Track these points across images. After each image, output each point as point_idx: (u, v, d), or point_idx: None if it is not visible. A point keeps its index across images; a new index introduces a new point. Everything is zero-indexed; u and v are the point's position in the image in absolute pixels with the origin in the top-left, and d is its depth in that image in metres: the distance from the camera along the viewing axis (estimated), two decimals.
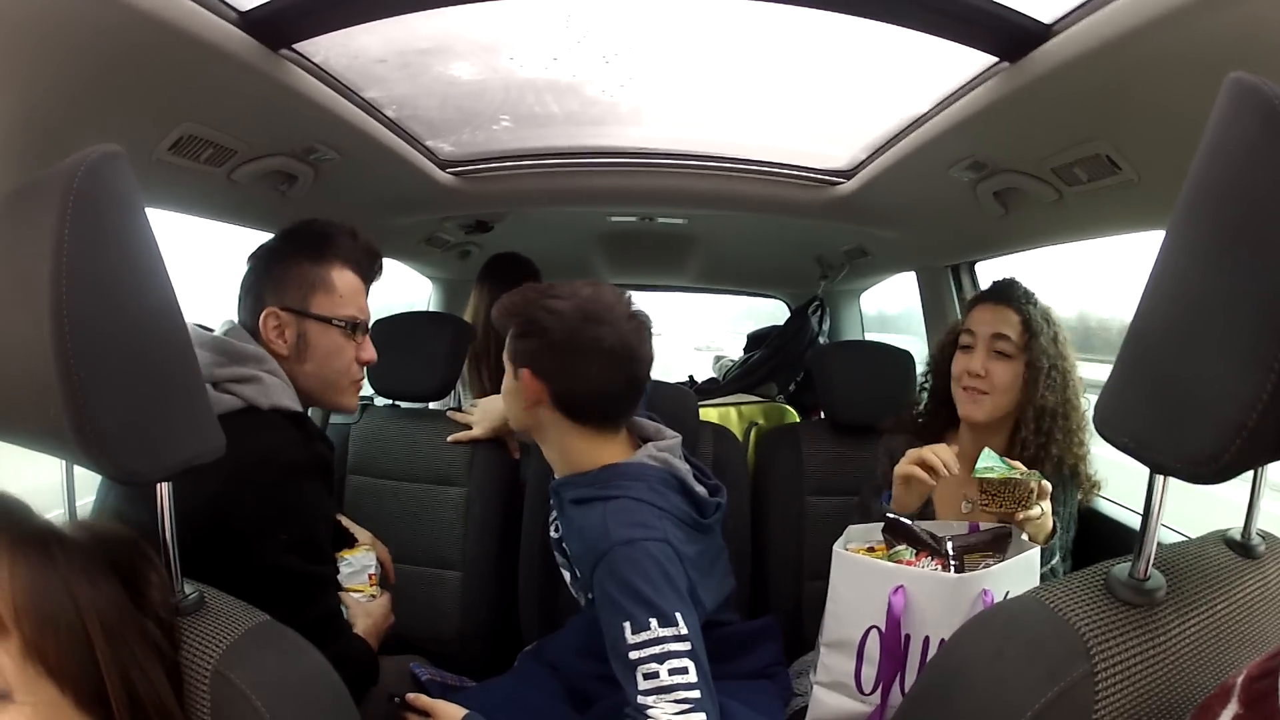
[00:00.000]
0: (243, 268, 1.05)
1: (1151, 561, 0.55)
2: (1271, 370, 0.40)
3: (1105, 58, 0.74)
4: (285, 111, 1.02)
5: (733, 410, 1.79)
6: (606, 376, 0.99)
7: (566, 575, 1.10)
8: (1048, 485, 1.01)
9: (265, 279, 1.01)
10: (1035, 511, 0.99)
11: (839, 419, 1.51)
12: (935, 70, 1.03)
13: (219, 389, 0.92)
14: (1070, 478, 1.18)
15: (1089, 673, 0.50)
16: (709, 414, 1.75)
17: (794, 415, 1.84)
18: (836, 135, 1.40)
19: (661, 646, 0.85)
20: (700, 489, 1.04)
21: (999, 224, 1.27)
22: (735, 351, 2.72)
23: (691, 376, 2.37)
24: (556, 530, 1.11)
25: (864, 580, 0.98)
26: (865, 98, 1.21)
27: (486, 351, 1.78)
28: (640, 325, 1.02)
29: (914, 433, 1.30)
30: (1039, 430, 1.14)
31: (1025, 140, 1.02)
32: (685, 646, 0.86)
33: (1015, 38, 0.83)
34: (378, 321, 1.56)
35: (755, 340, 2.30)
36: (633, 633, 0.86)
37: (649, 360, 1.03)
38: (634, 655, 0.85)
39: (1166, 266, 0.49)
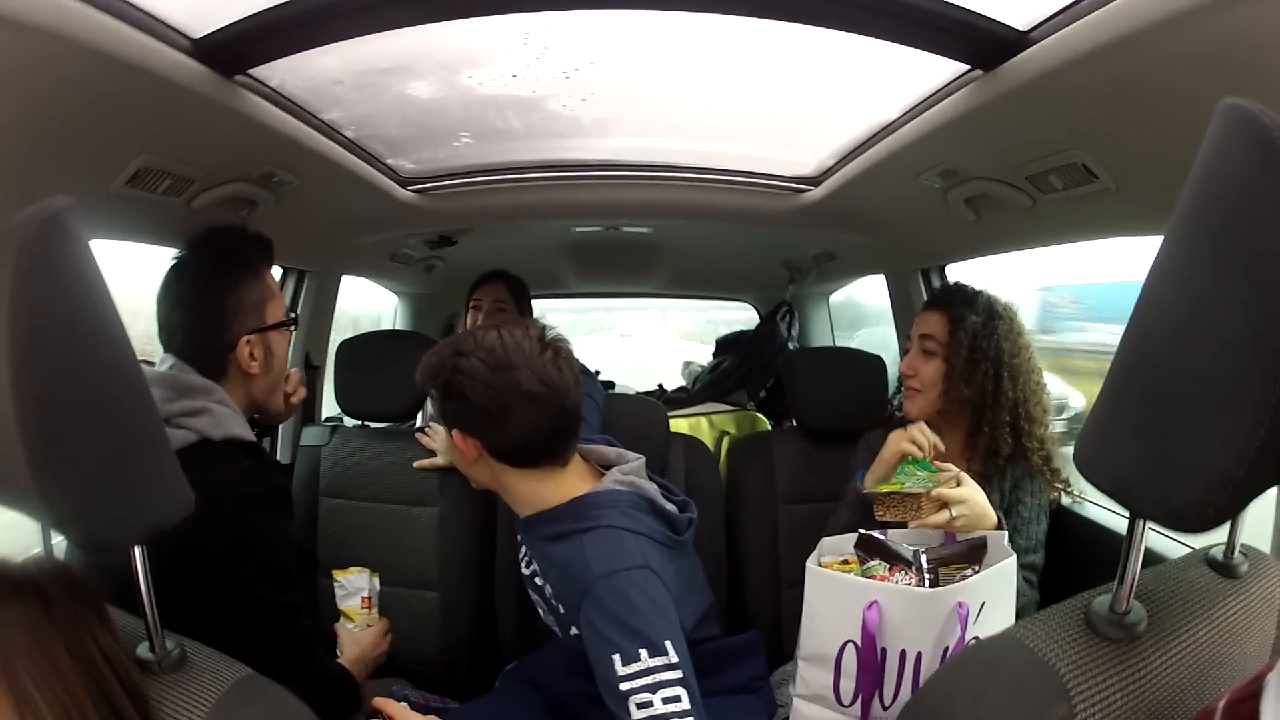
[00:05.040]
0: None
1: (1132, 594, 0.55)
2: (1261, 423, 0.39)
3: (1084, 67, 0.73)
4: (243, 138, 0.99)
5: (703, 420, 1.79)
6: (535, 420, 0.95)
7: (541, 610, 1.08)
8: (957, 491, 1.02)
9: (219, 310, 0.99)
10: (940, 518, 1.01)
11: (811, 426, 1.52)
12: (905, 76, 1.01)
13: (171, 424, 0.91)
14: (1035, 472, 1.21)
15: (1068, 714, 0.50)
16: (679, 425, 1.75)
17: (765, 423, 1.84)
18: (804, 142, 1.39)
19: (653, 676, 0.84)
20: (670, 506, 1.04)
21: (970, 229, 1.28)
22: (705, 357, 2.72)
23: (661, 385, 2.36)
24: (528, 566, 1.08)
25: (838, 596, 0.99)
26: (832, 103, 1.20)
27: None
28: (557, 354, 0.98)
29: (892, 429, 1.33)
30: (983, 422, 1.19)
31: (999, 149, 1.01)
32: (676, 675, 0.85)
33: (989, 46, 0.82)
34: (344, 342, 1.55)
35: (724, 345, 2.31)
36: (623, 664, 0.85)
37: (574, 389, 0.99)
38: (625, 686, 0.85)
39: (1155, 297, 0.48)
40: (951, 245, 1.53)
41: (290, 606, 0.98)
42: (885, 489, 1.04)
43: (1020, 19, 0.79)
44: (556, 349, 0.98)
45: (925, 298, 1.75)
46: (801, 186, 1.48)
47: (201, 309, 0.99)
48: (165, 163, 0.94)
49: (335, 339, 1.76)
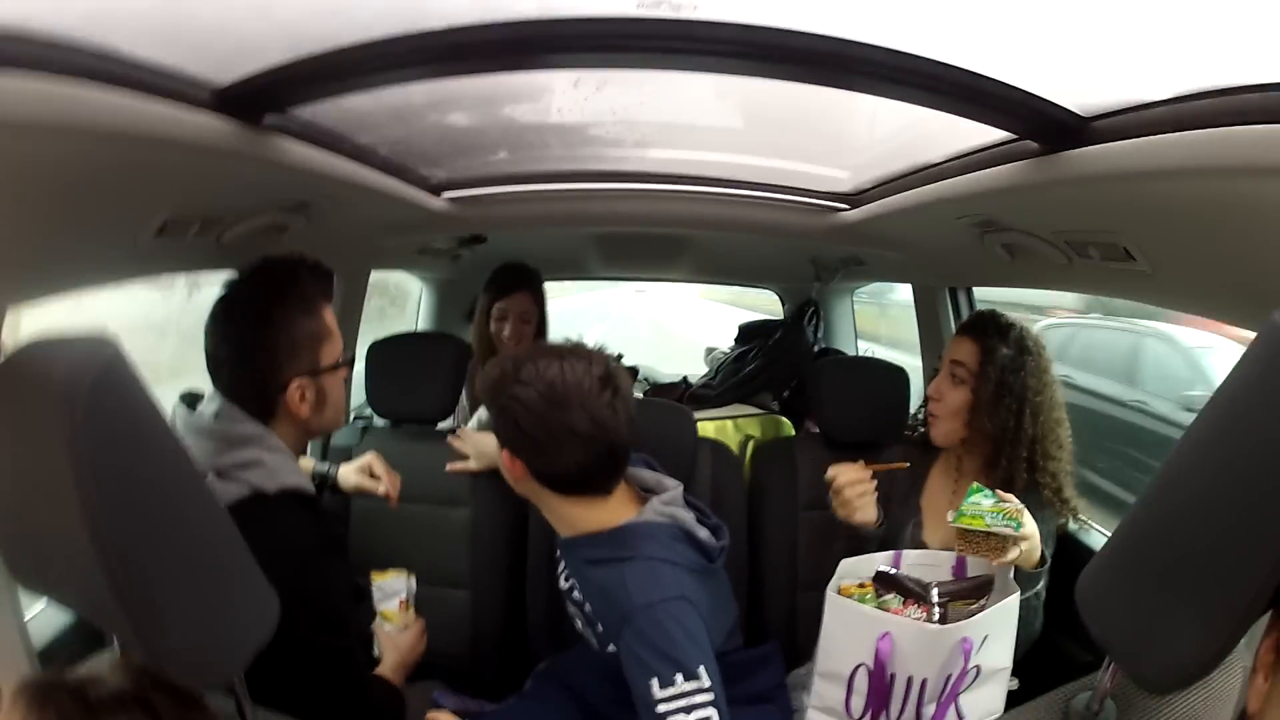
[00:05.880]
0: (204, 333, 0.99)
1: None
2: (1227, 625, 0.43)
3: (1145, 179, 0.71)
4: (272, 178, 0.97)
5: (729, 424, 1.82)
6: (583, 457, 0.98)
7: (579, 623, 1.13)
8: (1027, 529, 1.04)
9: (268, 349, 0.96)
10: (1012, 556, 1.04)
11: (833, 437, 1.53)
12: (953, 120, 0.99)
13: (223, 477, 0.91)
14: (1046, 501, 1.23)
15: None
16: (705, 428, 1.77)
17: (789, 428, 1.87)
18: (841, 158, 1.36)
19: (687, 699, 0.91)
20: (704, 533, 1.08)
21: (1003, 267, 1.27)
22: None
23: (685, 378, 2.38)
24: (566, 580, 1.13)
25: (855, 624, 1.05)
26: (874, 125, 1.17)
27: (486, 358, 1.80)
28: (615, 394, 0.99)
29: (911, 447, 1.37)
30: (1001, 455, 1.21)
31: (1043, 217, 1.00)
32: (709, 697, 0.92)
33: (1050, 130, 0.80)
34: (375, 344, 1.55)
35: (746, 334, 2.31)
36: (660, 688, 0.92)
37: (627, 430, 1.01)
38: (661, 708, 0.91)
39: (1177, 473, 0.51)
40: (983, 275, 1.53)
41: (348, 650, 1.00)
42: (970, 525, 1.05)
43: (1084, 102, 0.77)
44: (615, 389, 1.00)
45: (951, 312, 1.75)
46: (837, 205, 1.45)
47: (250, 348, 0.95)
48: (192, 212, 0.92)
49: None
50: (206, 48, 0.71)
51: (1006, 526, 1.02)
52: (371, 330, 1.81)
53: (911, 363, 1.75)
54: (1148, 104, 0.70)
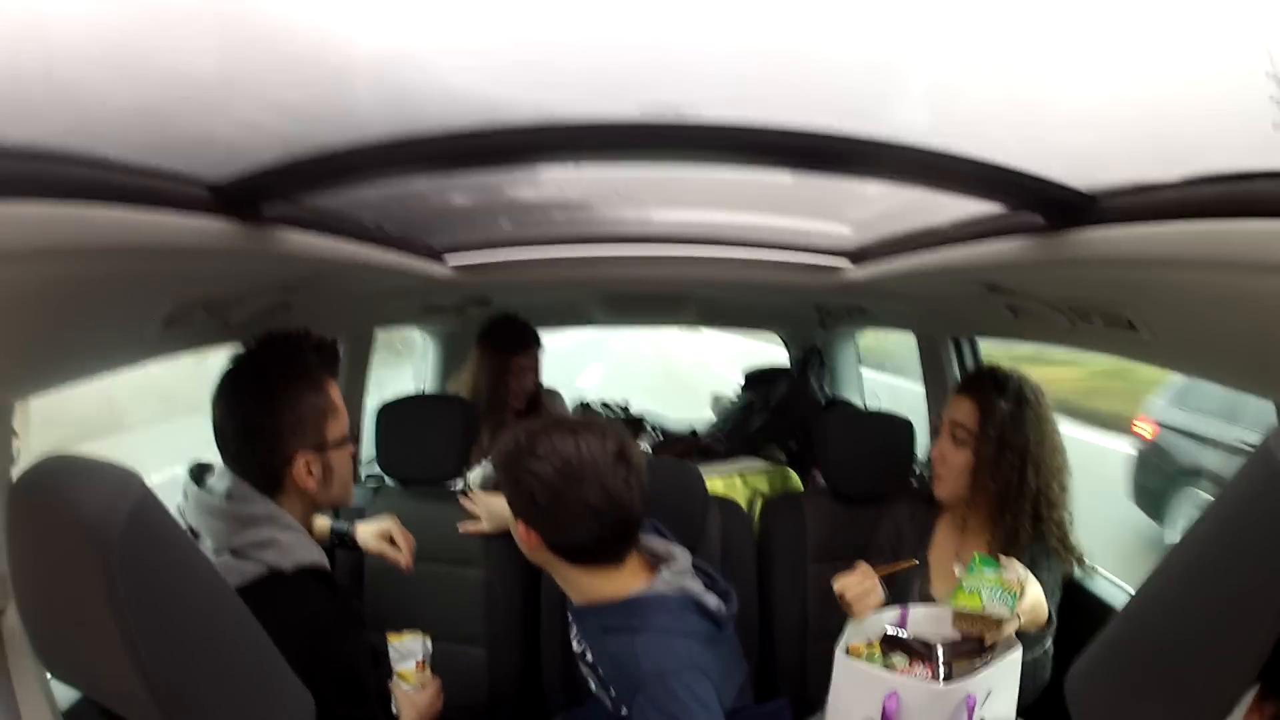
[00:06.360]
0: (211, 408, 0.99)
1: None
2: None
3: (1149, 253, 0.71)
4: (274, 265, 0.97)
5: (738, 479, 1.81)
6: (596, 529, 1.00)
7: (592, 684, 1.14)
8: (1029, 599, 1.04)
9: (273, 424, 0.97)
10: (1007, 633, 1.05)
11: (840, 490, 1.53)
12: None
13: (239, 556, 0.92)
14: (1051, 550, 1.22)
15: None
16: (714, 484, 1.76)
17: (797, 482, 1.86)
18: (845, 214, 1.36)
19: None
20: (713, 600, 1.08)
21: (1008, 323, 1.27)
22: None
23: (695, 430, 2.37)
24: (579, 644, 1.14)
25: (863, 683, 1.06)
26: (878, 186, 1.17)
27: (489, 412, 1.79)
28: (629, 469, 1.01)
29: (916, 502, 1.38)
30: (1005, 511, 1.21)
31: (1047, 287, 1.00)
32: None
33: (1056, 209, 0.79)
34: (384, 405, 1.55)
35: (752, 381, 2.30)
36: None
37: (640, 503, 1.03)
38: None
39: (1166, 579, 0.53)
40: (986, 328, 1.53)
41: (368, 717, 1.01)
42: (966, 607, 1.06)
43: (1091, 178, 0.75)
44: (629, 464, 1.01)
45: (955, 362, 1.75)
46: (840, 264, 1.45)
47: (255, 423, 0.96)
48: (196, 301, 0.92)
49: None
50: (196, 155, 0.71)
51: (1002, 605, 1.03)
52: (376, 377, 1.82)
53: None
54: (1157, 185, 0.69)
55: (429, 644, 1.24)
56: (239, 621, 0.61)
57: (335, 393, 1.03)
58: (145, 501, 0.53)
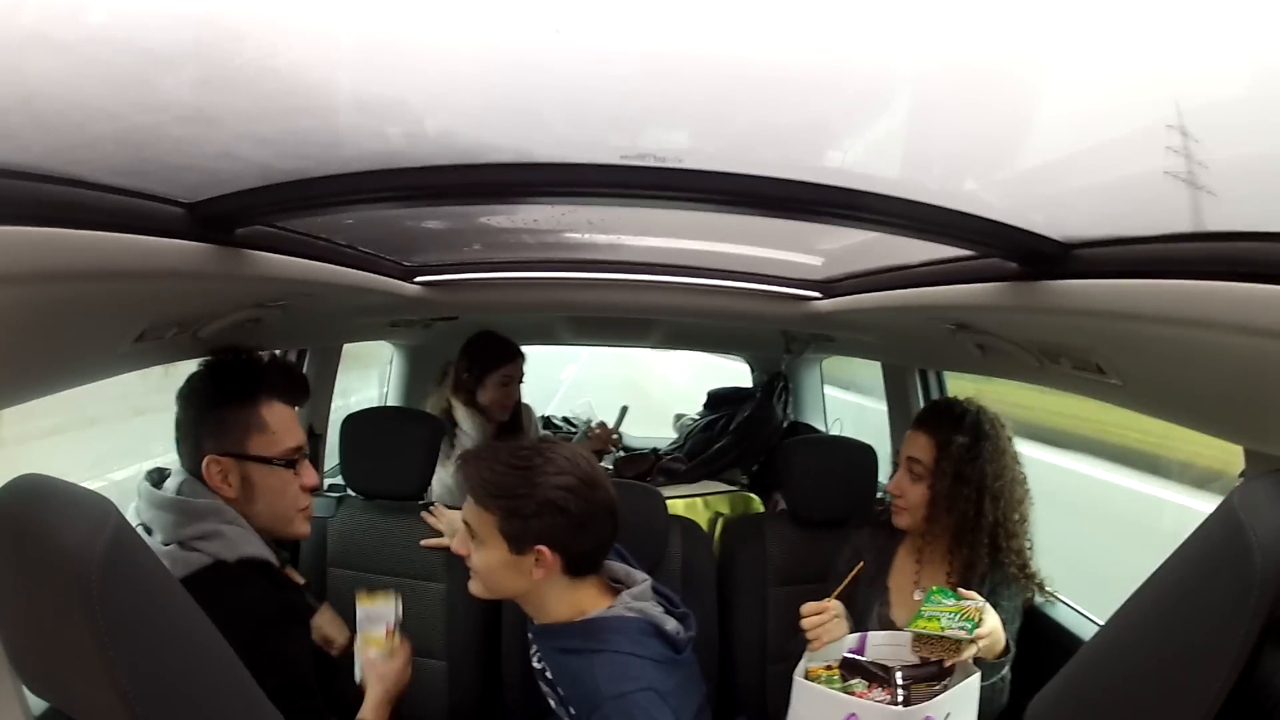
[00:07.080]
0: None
1: None
2: None
3: (1121, 308, 0.72)
4: (246, 285, 0.97)
5: (699, 501, 1.83)
6: (609, 531, 1.08)
7: (552, 701, 1.14)
8: (986, 626, 1.06)
9: (200, 424, 1.02)
10: (966, 655, 1.06)
11: (802, 515, 1.56)
12: None
13: (185, 548, 0.95)
14: (1011, 579, 1.24)
15: None
16: (675, 505, 1.77)
17: (758, 505, 1.88)
18: (814, 245, 1.38)
19: None
20: (672, 624, 1.10)
21: (975, 360, 1.29)
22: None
23: (656, 449, 2.39)
24: (539, 662, 1.15)
25: (820, 706, 1.08)
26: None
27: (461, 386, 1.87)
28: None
29: (878, 528, 1.39)
30: (962, 543, 1.23)
31: (1018, 330, 1.02)
32: None
33: (1029, 257, 0.80)
34: (349, 418, 1.54)
35: (716, 401, 2.33)
36: None
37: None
38: None
39: (1127, 622, 0.55)
40: (953, 363, 1.56)
41: (314, 713, 1.01)
42: (924, 630, 1.07)
43: (1066, 228, 0.76)
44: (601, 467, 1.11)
45: (921, 392, 1.79)
46: (810, 294, 1.48)
47: (185, 424, 1.03)
48: (169, 319, 0.93)
49: None
50: (173, 180, 0.70)
51: (961, 629, 1.05)
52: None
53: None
54: (1131, 238, 0.70)
55: (400, 608, 1.20)
56: (213, 644, 0.63)
57: (272, 414, 1.05)
58: (121, 531, 0.54)
